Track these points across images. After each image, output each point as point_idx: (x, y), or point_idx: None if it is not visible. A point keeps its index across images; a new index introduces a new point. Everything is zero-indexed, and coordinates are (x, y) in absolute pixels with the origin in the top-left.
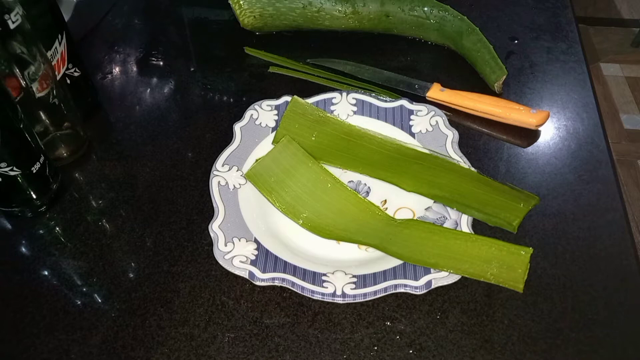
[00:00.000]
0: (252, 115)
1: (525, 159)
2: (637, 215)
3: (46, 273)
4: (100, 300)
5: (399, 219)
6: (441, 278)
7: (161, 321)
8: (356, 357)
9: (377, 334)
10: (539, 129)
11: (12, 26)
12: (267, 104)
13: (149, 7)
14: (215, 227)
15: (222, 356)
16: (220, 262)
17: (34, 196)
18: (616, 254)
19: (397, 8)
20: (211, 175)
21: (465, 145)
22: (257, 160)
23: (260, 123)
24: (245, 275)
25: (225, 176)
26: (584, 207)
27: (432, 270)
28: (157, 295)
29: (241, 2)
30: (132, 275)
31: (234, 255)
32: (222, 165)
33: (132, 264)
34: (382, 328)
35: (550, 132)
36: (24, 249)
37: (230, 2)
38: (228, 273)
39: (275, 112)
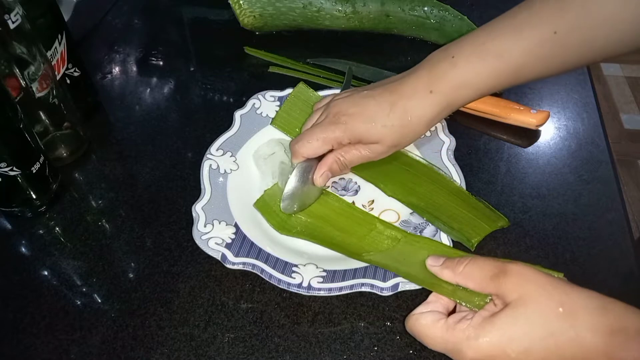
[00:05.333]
0: (254, 104)
1: (525, 159)
2: (637, 215)
3: (46, 273)
4: (100, 300)
5: (403, 235)
6: (409, 282)
7: (161, 321)
8: (356, 357)
9: (377, 334)
10: (539, 128)
11: (12, 26)
12: (270, 94)
13: (148, 7)
14: (198, 208)
15: (222, 356)
16: (197, 241)
17: (34, 196)
18: (616, 254)
19: (397, 8)
20: (204, 158)
21: (465, 145)
22: (265, 191)
23: (261, 113)
24: (218, 257)
25: (218, 160)
26: (584, 207)
27: None
28: (157, 295)
29: (241, 2)
30: (131, 275)
31: (211, 237)
32: (217, 150)
33: (132, 264)
34: (382, 328)
35: (550, 132)
36: (24, 249)
37: (230, 2)
38: (228, 273)
39: (278, 103)
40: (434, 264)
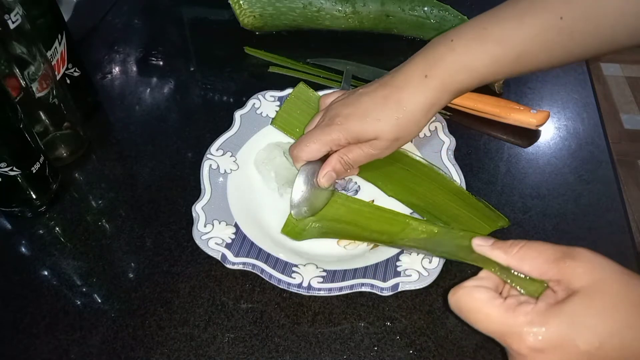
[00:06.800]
0: (254, 104)
1: (525, 159)
2: (637, 215)
3: (46, 273)
4: (100, 300)
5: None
6: (409, 282)
7: (161, 321)
8: (356, 357)
9: (377, 334)
10: (539, 128)
11: (12, 26)
12: (270, 94)
13: (148, 7)
14: (198, 208)
15: (222, 356)
16: (197, 241)
17: (34, 196)
18: (616, 254)
19: (397, 8)
20: (204, 158)
21: (465, 145)
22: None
23: (262, 113)
24: (218, 257)
25: (218, 160)
26: (584, 207)
27: (401, 273)
28: (157, 295)
29: (241, 2)
30: (132, 275)
31: (211, 237)
32: (217, 150)
33: (132, 264)
34: (382, 328)
35: (550, 132)
36: (24, 249)
37: (230, 2)
38: (228, 273)
39: (278, 103)
40: (482, 244)
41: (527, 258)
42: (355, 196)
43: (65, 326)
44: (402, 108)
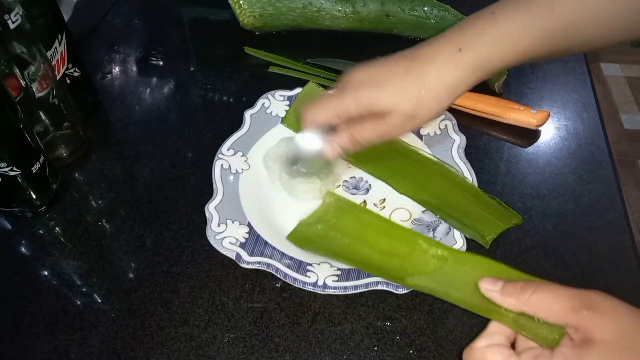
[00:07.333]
0: (263, 103)
1: (525, 159)
2: (637, 215)
3: (46, 273)
4: (100, 300)
5: (446, 253)
6: None
7: (161, 321)
8: (356, 357)
9: (377, 334)
10: (539, 128)
11: (12, 26)
12: (280, 94)
13: (148, 7)
14: (211, 208)
15: (222, 356)
16: (211, 241)
17: (34, 196)
18: (616, 254)
19: (398, 8)
20: (215, 158)
21: (465, 145)
22: (300, 222)
23: (271, 112)
24: (233, 256)
25: (230, 160)
26: (584, 207)
27: None
28: (157, 295)
29: (241, 2)
30: (132, 275)
31: (225, 237)
32: (228, 150)
33: (132, 264)
34: (382, 328)
35: (550, 132)
36: (24, 249)
37: (230, 2)
38: (228, 273)
39: (287, 102)
40: (491, 289)
41: (543, 305)
42: (366, 195)
43: (65, 326)
44: (425, 82)
